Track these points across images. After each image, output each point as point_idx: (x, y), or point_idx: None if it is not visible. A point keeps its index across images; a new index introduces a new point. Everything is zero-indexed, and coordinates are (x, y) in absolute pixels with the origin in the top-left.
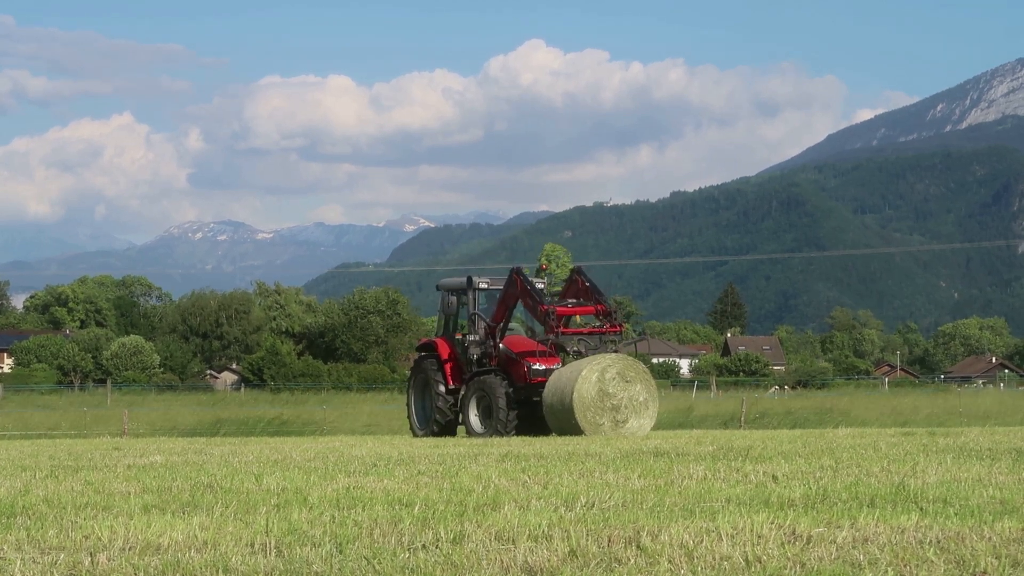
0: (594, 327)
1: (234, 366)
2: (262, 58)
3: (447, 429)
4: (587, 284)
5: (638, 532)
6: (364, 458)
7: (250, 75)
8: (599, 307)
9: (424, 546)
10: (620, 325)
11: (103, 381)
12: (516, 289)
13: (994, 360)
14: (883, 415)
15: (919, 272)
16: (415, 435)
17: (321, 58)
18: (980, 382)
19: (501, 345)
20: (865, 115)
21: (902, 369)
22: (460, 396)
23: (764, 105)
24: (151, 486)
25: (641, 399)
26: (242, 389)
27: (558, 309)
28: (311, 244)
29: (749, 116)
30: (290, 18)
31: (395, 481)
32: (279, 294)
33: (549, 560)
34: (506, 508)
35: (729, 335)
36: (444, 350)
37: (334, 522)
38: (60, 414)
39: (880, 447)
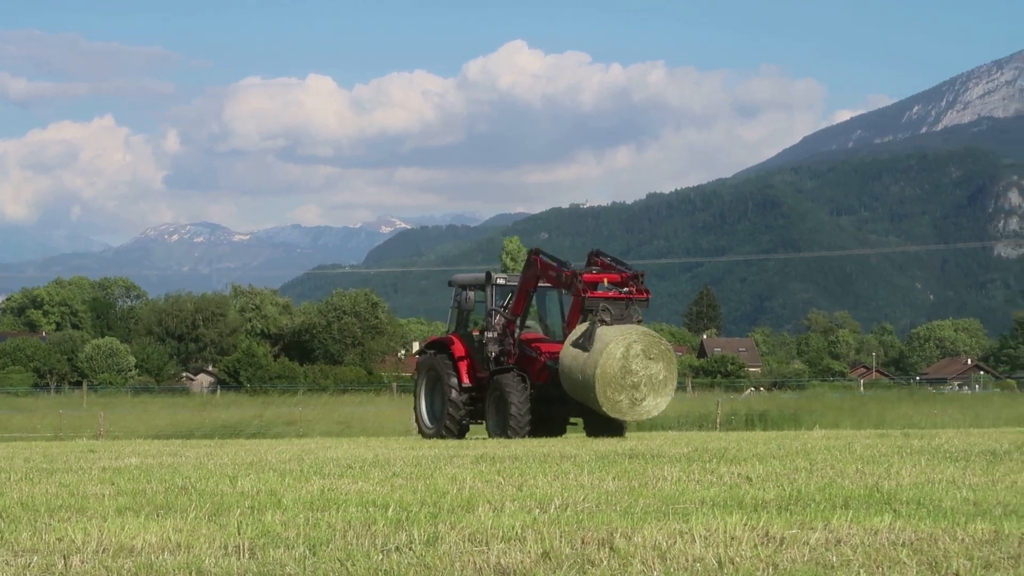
0: (620, 293)
1: (210, 368)
2: (244, 60)
3: (460, 430)
4: (607, 261)
5: (611, 534)
6: (339, 460)
7: (231, 76)
8: (625, 274)
9: (398, 548)
10: (647, 292)
11: (79, 383)
12: (536, 269)
13: (969, 362)
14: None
15: (894, 274)
16: (424, 435)
17: (302, 59)
18: (955, 384)
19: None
20: (845, 117)
21: (877, 371)
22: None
23: (743, 107)
24: (125, 488)
25: (661, 377)
26: (218, 391)
27: (584, 276)
28: (287, 246)
29: (728, 118)
30: (272, 19)
31: (369, 483)
32: (255, 296)
33: (522, 562)
34: (480, 510)
35: (705, 337)
36: (459, 348)
37: (308, 524)
38: (36, 416)
39: (855, 449)
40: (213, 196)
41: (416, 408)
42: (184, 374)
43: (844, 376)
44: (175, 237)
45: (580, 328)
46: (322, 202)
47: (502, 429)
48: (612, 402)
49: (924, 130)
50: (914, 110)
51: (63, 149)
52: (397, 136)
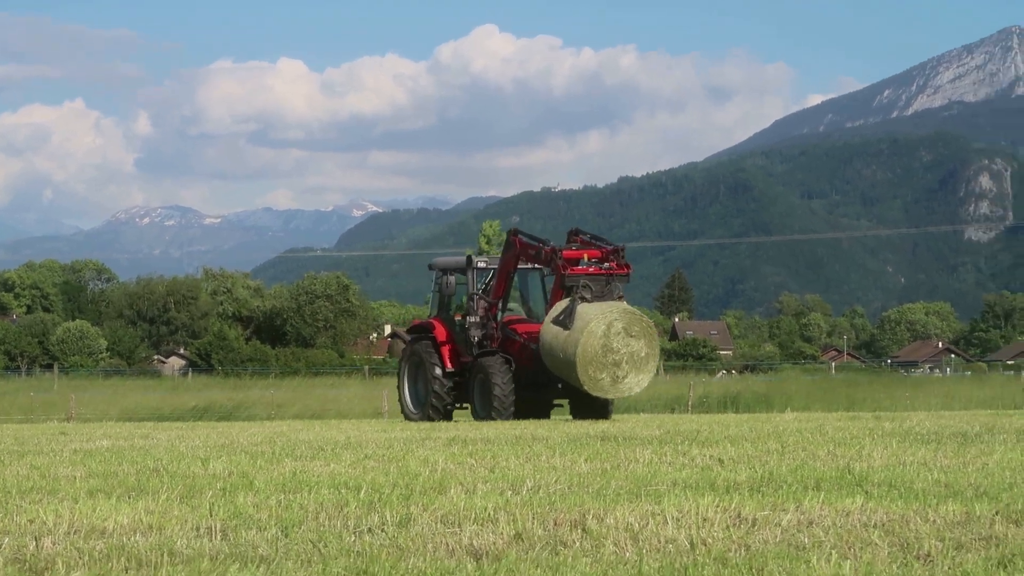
0: (601, 269)
1: (182, 351)
2: (214, 43)
3: (444, 414)
4: (586, 239)
5: (584, 515)
6: (311, 442)
7: (202, 60)
8: (606, 249)
9: (370, 529)
10: (627, 266)
11: (50, 366)
12: (515, 250)
13: (940, 345)
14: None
15: (866, 257)
16: (408, 419)
17: (273, 43)
18: (926, 367)
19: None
20: (816, 101)
21: (849, 354)
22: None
23: (715, 91)
24: (97, 470)
25: (643, 354)
26: (189, 374)
27: (564, 252)
28: (259, 229)
29: (700, 102)
30: (242, 2)
31: (342, 465)
32: (226, 279)
33: (495, 543)
34: (452, 492)
35: (677, 320)
36: (441, 332)
37: (280, 506)
38: (7, 399)
39: (826, 431)
40: (184, 180)
41: (400, 393)
42: (156, 357)
43: (816, 359)
44: (146, 220)
45: (561, 305)
46: (294, 186)
47: (487, 412)
48: (593, 380)
49: (895, 114)
50: (885, 94)
51: (34, 132)
52: (369, 120)
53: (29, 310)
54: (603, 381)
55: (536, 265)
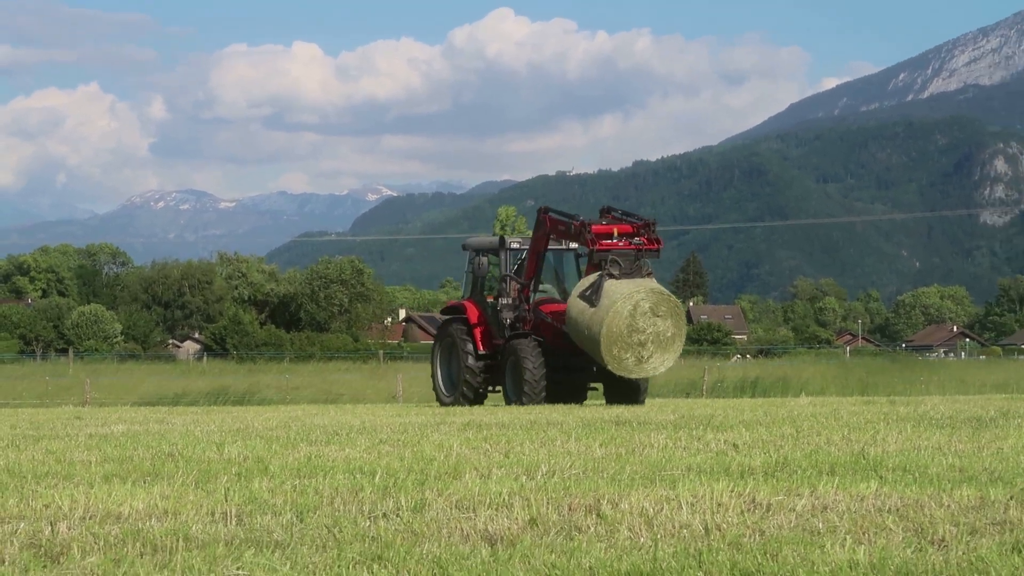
0: (631, 244)
1: (196, 335)
2: (228, 27)
3: (477, 397)
4: (618, 215)
5: (598, 500)
6: (326, 427)
7: (216, 44)
8: (638, 224)
9: (385, 514)
10: (658, 241)
11: (65, 350)
12: (546, 228)
13: (955, 329)
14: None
15: (881, 241)
16: (441, 403)
17: (287, 26)
18: (940, 351)
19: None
20: (831, 84)
21: (863, 338)
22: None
23: (729, 75)
24: (112, 455)
25: (669, 334)
26: (204, 358)
27: (594, 227)
28: (274, 213)
29: (714, 86)
30: None
31: (356, 450)
32: (241, 263)
33: (509, 528)
34: (467, 477)
35: (691, 304)
36: (473, 314)
37: (295, 491)
38: (22, 383)
39: (841, 415)
40: (199, 164)
41: (433, 376)
42: (170, 341)
43: (830, 343)
44: (161, 204)
45: (588, 280)
46: (308, 169)
47: (518, 396)
48: (617, 360)
49: (910, 98)
50: (900, 78)
51: (48, 116)
52: (383, 104)
53: (44, 294)
54: (627, 361)
55: (568, 244)
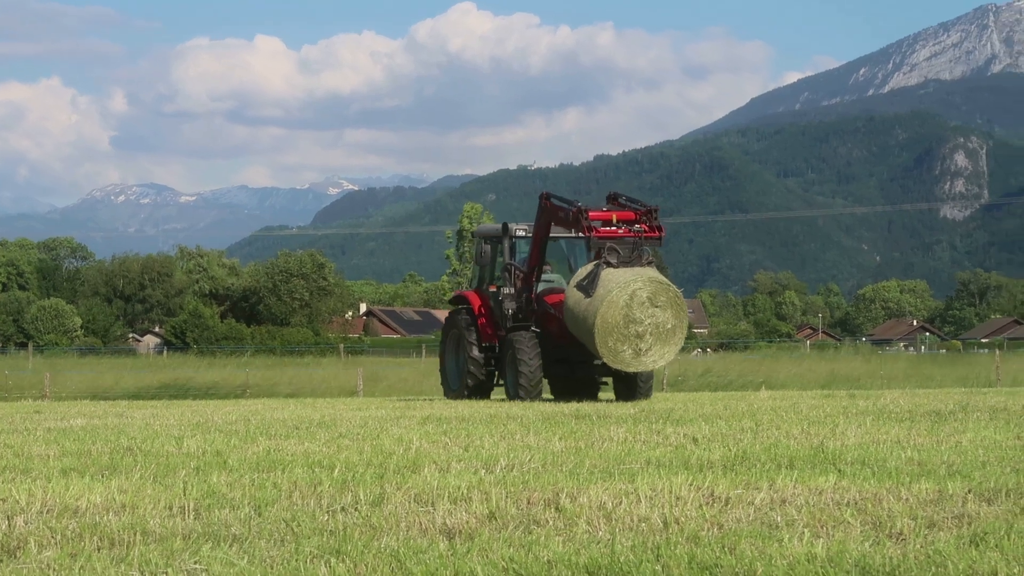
0: (630, 231)
1: (157, 329)
2: (191, 20)
3: (480, 390)
4: (623, 201)
5: (557, 494)
6: (285, 421)
7: (178, 37)
8: (640, 211)
9: (343, 508)
10: (660, 229)
11: (24, 344)
12: (546, 214)
13: (915, 323)
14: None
15: (841, 235)
16: (447, 395)
17: (250, 20)
18: (900, 344)
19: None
20: (792, 79)
21: (824, 332)
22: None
23: (692, 69)
24: (71, 449)
25: (669, 326)
26: (164, 352)
27: (592, 213)
28: (234, 207)
29: (677, 80)
30: None
31: (316, 444)
32: (201, 257)
33: (468, 522)
34: (426, 470)
35: None
36: (476, 304)
37: (253, 485)
38: None
39: (800, 409)
40: (160, 157)
41: (441, 368)
42: (131, 335)
43: (791, 337)
44: (122, 198)
45: (585, 268)
46: (270, 163)
47: (515, 391)
48: (613, 352)
49: (871, 92)
50: (861, 72)
51: (9, 110)
52: (345, 98)
53: (4, 288)
54: (624, 354)
55: (573, 231)
